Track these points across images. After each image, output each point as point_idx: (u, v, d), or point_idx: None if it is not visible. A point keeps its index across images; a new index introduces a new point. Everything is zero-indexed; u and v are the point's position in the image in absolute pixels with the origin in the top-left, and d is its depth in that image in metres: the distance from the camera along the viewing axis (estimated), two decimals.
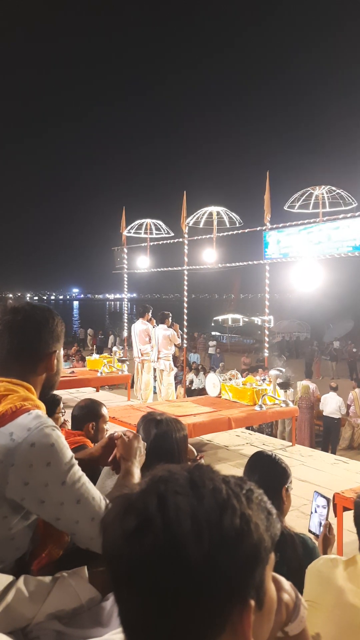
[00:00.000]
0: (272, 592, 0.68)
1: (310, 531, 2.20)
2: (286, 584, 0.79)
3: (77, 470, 1.27)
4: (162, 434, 1.89)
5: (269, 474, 2.05)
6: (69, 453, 1.26)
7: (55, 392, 1.64)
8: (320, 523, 2.18)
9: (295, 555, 1.84)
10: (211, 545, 0.58)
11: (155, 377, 9.23)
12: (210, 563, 0.57)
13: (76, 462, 1.27)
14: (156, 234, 10.74)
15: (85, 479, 1.28)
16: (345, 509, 3.74)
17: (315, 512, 2.23)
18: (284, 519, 2.00)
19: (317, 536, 2.12)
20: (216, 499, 0.61)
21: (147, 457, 1.52)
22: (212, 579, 0.57)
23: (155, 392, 9.45)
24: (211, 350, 23.18)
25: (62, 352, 1.48)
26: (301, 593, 1.32)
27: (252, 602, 0.61)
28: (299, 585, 1.32)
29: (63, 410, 3.34)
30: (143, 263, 10.96)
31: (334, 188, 7.39)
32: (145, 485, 0.64)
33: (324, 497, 2.23)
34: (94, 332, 27.75)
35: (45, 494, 1.21)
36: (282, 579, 0.78)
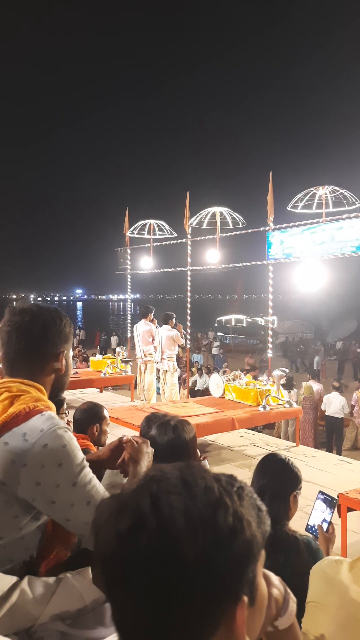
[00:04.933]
0: (263, 588, 0.69)
1: (307, 530, 2.17)
2: (275, 579, 0.80)
3: (88, 472, 1.28)
4: (176, 437, 1.90)
5: (279, 478, 2.01)
6: (80, 455, 1.27)
7: None
8: (317, 524, 2.15)
9: (300, 557, 1.84)
10: (205, 543, 0.58)
11: (158, 377, 9.23)
12: (205, 561, 0.57)
13: (87, 464, 1.28)
14: (159, 234, 10.73)
15: (95, 481, 1.29)
16: (350, 509, 3.74)
17: (315, 511, 2.19)
18: (288, 523, 1.99)
19: (315, 535, 2.10)
20: (209, 497, 0.61)
21: (162, 460, 1.52)
22: (206, 577, 0.57)
23: (158, 393, 9.45)
24: (215, 351, 23.17)
25: (71, 352, 1.49)
26: (305, 594, 1.32)
27: (246, 599, 0.62)
28: (303, 586, 1.32)
29: (67, 411, 3.35)
30: (146, 264, 10.96)
31: (337, 188, 7.37)
32: (137, 485, 0.64)
33: (330, 498, 2.19)
34: (79, 332, 27.74)
35: (56, 494, 1.22)
36: (272, 574, 0.79)
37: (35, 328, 1.37)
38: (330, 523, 2.12)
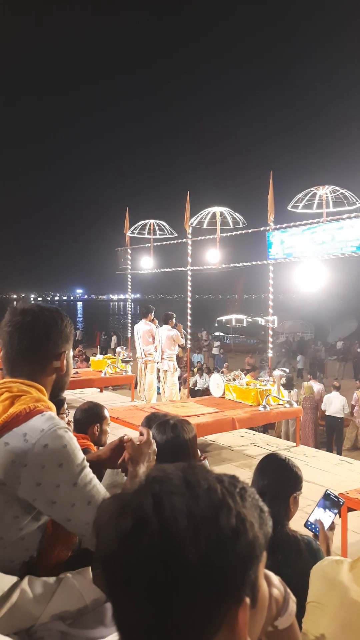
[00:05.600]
0: (265, 589, 0.69)
1: (306, 526, 2.14)
2: (275, 578, 0.80)
3: (89, 472, 1.28)
4: (175, 436, 1.90)
5: (280, 479, 1.99)
6: (80, 455, 1.27)
7: None
8: (318, 521, 2.12)
9: (300, 557, 1.83)
10: (208, 544, 0.58)
11: (159, 377, 9.24)
12: (207, 562, 0.57)
13: (87, 464, 1.28)
14: (160, 234, 10.73)
15: (96, 481, 1.29)
16: (350, 509, 3.74)
17: (318, 509, 2.15)
18: (288, 523, 1.98)
19: (314, 532, 2.08)
20: (211, 499, 0.61)
21: (162, 459, 1.51)
22: (208, 579, 0.57)
23: (159, 393, 9.45)
24: (215, 351, 23.16)
25: (71, 352, 1.49)
26: (306, 594, 1.32)
27: (247, 600, 0.61)
28: (303, 586, 1.32)
29: (67, 411, 3.35)
30: (147, 264, 10.96)
31: (337, 188, 7.37)
32: (139, 486, 0.64)
33: (336, 498, 2.14)
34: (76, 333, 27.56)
35: (56, 494, 1.22)
36: (272, 574, 0.79)
37: (36, 328, 1.37)
38: (332, 522, 2.11)
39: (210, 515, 0.60)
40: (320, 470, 5.69)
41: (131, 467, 1.43)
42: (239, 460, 5.98)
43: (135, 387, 9.49)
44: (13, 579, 1.20)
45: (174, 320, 8.95)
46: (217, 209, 9.09)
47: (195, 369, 15.16)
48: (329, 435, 10.53)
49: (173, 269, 10.59)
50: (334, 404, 10.23)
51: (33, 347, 1.37)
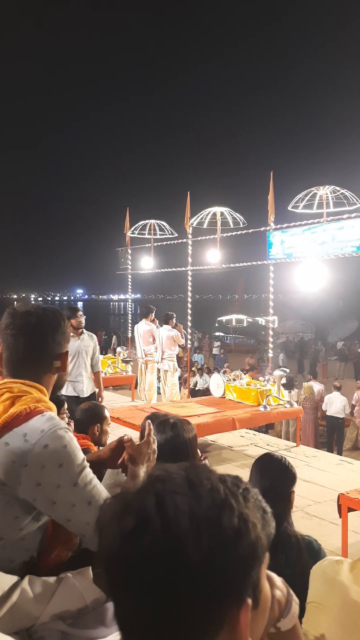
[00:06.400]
0: (267, 590, 0.69)
1: None
2: (278, 580, 0.80)
3: (89, 472, 1.28)
4: (175, 436, 1.90)
5: (280, 479, 2.01)
6: (80, 455, 1.27)
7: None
8: None
9: (300, 557, 1.83)
10: (210, 544, 0.58)
11: (159, 377, 9.24)
12: (209, 563, 0.57)
13: (88, 464, 1.28)
14: (160, 234, 10.73)
15: (96, 481, 1.29)
16: (350, 509, 3.73)
17: None
18: (289, 523, 1.99)
19: None
20: (214, 499, 0.61)
21: (161, 458, 1.51)
22: (210, 579, 0.57)
23: (159, 393, 9.46)
24: (215, 351, 23.15)
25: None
26: (306, 595, 1.32)
27: (249, 601, 0.61)
28: (304, 587, 1.32)
29: (67, 411, 3.35)
30: (147, 264, 10.96)
31: (338, 188, 7.37)
32: (142, 485, 0.63)
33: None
34: None
35: (56, 495, 1.22)
36: (274, 576, 0.78)
37: (41, 330, 1.38)
38: None
39: (213, 515, 0.59)
40: (320, 471, 5.68)
41: (131, 467, 1.43)
42: (239, 460, 5.98)
43: (136, 387, 9.49)
44: (13, 578, 1.20)
45: (174, 321, 8.95)
46: (218, 209, 9.10)
47: (195, 369, 15.15)
48: (330, 435, 10.54)
49: (173, 269, 10.60)
50: (335, 404, 10.23)
51: (38, 349, 1.38)
